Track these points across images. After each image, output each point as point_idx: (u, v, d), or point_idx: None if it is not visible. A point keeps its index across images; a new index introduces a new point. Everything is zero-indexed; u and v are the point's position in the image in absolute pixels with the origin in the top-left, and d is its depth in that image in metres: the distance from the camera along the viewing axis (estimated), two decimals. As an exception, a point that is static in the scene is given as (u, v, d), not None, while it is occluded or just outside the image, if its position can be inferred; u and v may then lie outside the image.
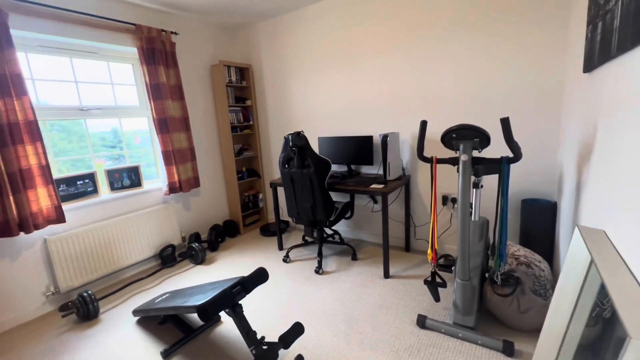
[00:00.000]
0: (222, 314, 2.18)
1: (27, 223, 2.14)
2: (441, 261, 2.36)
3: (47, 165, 2.23)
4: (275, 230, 3.60)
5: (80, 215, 2.54)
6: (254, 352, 1.48)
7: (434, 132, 2.67)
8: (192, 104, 3.34)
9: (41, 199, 2.22)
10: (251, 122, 3.81)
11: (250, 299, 2.32)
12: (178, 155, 3.07)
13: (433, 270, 1.88)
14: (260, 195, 4.00)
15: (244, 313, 1.71)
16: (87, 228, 2.51)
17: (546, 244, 2.15)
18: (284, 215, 3.90)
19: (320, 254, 2.76)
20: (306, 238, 3.35)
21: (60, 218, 2.32)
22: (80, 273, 2.47)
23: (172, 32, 3.00)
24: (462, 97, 2.48)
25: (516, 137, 2.32)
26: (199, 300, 1.57)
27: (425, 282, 1.92)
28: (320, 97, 3.27)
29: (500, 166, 1.63)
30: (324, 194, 2.56)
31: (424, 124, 1.73)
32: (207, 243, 3.31)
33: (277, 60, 3.50)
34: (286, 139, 2.53)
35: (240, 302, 1.61)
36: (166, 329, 2.06)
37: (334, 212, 2.72)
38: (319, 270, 2.66)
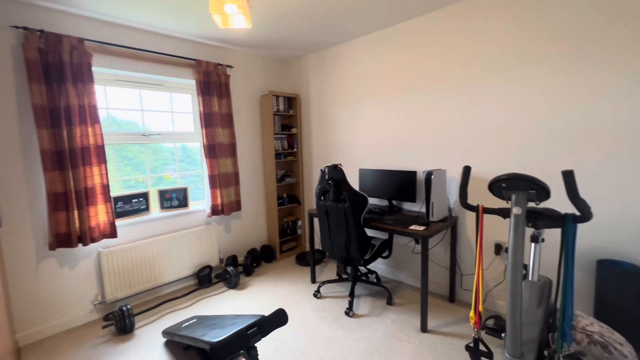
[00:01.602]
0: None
1: (85, 236, 2.37)
2: (489, 323, 2.03)
3: (108, 184, 2.48)
4: (314, 260, 3.51)
5: (131, 231, 2.75)
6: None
7: (485, 172, 2.40)
8: (240, 131, 3.51)
9: (100, 214, 2.46)
10: (295, 150, 3.87)
11: (272, 336, 2.23)
12: (223, 179, 3.21)
13: (476, 337, 1.61)
14: (299, 222, 3.98)
15: (259, 356, 1.63)
16: (135, 244, 2.70)
17: (630, 320, 1.73)
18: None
19: (352, 294, 2.59)
20: (341, 274, 3.20)
21: (113, 233, 2.53)
22: (125, 286, 2.65)
23: (227, 66, 3.23)
24: (521, 133, 2.21)
25: (596, 181, 1.96)
26: (217, 336, 1.53)
27: (467, 348, 1.66)
28: (365, 129, 3.21)
29: (563, 223, 1.37)
30: (359, 230, 2.43)
31: (467, 170, 1.54)
32: (243, 267, 3.34)
33: (324, 90, 3.55)
34: (323, 171, 2.49)
35: (256, 344, 1.53)
36: (190, 356, 2.06)
37: (370, 250, 2.55)
38: (349, 312, 2.49)
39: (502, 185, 1.37)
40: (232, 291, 2.99)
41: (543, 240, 1.59)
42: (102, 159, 2.44)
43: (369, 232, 3.24)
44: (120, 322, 2.32)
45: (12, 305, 2.19)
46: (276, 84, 3.87)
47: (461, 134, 2.52)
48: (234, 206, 3.36)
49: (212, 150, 3.13)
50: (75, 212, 2.32)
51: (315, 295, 2.81)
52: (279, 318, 1.59)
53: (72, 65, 2.28)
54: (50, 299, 2.36)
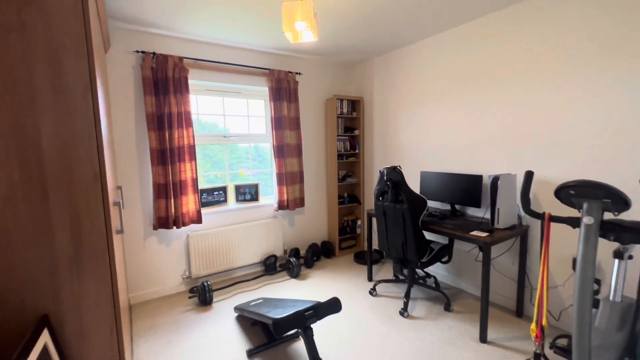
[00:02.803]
0: (302, 331, 2.32)
1: (178, 220, 2.86)
2: (561, 343, 1.87)
3: (196, 178, 2.94)
4: (371, 260, 3.59)
5: (212, 219, 3.20)
6: (315, 379, 1.54)
7: (567, 178, 2.19)
8: (305, 133, 3.76)
9: (189, 203, 2.93)
10: (357, 151, 3.99)
11: (327, 324, 2.40)
12: (289, 177, 3.50)
13: (537, 351, 1.53)
14: (359, 222, 4.09)
15: (315, 337, 1.79)
16: (215, 230, 3.15)
17: None
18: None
19: (407, 296, 2.60)
20: (398, 275, 3.21)
21: (199, 219, 2.99)
22: (206, 265, 3.10)
23: (296, 73, 3.51)
24: (609, 135, 1.97)
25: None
26: (278, 314, 1.75)
27: (527, 363, 1.58)
28: (428, 131, 3.17)
29: (649, 238, 1.23)
30: (416, 232, 2.44)
31: (529, 175, 1.47)
32: (304, 259, 3.59)
33: (387, 92, 3.59)
34: (381, 172, 2.56)
35: (312, 325, 1.70)
36: (255, 331, 2.35)
37: (428, 253, 2.54)
38: (404, 312, 2.52)
39: (571, 192, 1.29)
40: (293, 280, 3.25)
41: (631, 257, 1.43)
42: (193, 157, 2.91)
43: (429, 236, 3.18)
44: (202, 295, 2.74)
45: (126, 271, 2.77)
46: (340, 87, 4.04)
47: (534, 136, 2.34)
48: (298, 202, 3.62)
49: (280, 151, 3.44)
50: (172, 200, 2.82)
51: (370, 293, 2.89)
52: (333, 305, 1.74)
53: (174, 79, 2.77)
54: (152, 269, 2.91)
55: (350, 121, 4.05)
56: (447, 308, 2.59)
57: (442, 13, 2.52)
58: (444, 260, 2.69)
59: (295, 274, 3.29)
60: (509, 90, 2.47)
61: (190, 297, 2.80)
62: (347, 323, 2.42)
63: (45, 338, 1.05)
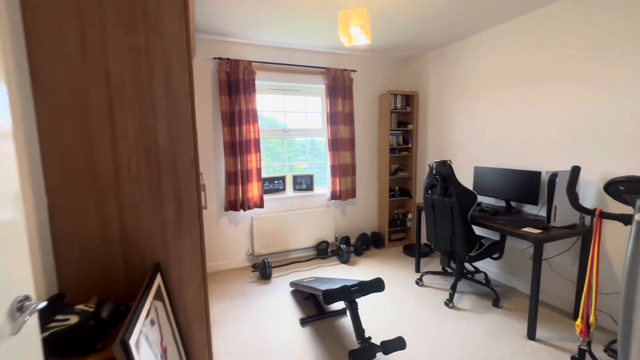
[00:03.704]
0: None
1: (244, 204, 3.28)
2: (617, 346, 1.80)
3: (260, 168, 3.33)
4: (420, 253, 3.66)
5: (273, 204, 3.58)
6: (359, 344, 1.76)
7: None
8: (358, 128, 3.93)
9: (254, 190, 3.34)
10: (410, 145, 4.03)
11: (373, 306, 2.58)
12: (342, 170, 3.73)
13: (582, 347, 1.53)
14: (410, 215, 4.15)
15: (359, 313, 2.00)
16: (275, 214, 3.53)
17: None
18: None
19: (454, 287, 2.66)
20: (446, 268, 3.24)
21: (261, 204, 3.39)
22: (267, 245, 3.50)
23: (351, 70, 3.69)
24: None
25: None
26: (327, 287, 2.00)
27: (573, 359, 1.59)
28: (483, 125, 3.10)
29: None
30: (465, 226, 2.48)
31: (576, 170, 1.46)
32: (354, 247, 3.80)
33: (443, 86, 3.57)
34: (430, 166, 2.63)
35: (357, 300, 1.92)
36: (308, 304, 2.64)
37: (477, 247, 2.56)
38: (449, 303, 2.58)
39: (620, 188, 1.28)
40: (343, 265, 3.49)
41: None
42: (257, 149, 3.30)
43: (480, 231, 3.14)
44: (263, 270, 3.13)
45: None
46: (395, 83, 4.10)
47: (596, 132, 2.19)
48: (350, 194, 3.83)
49: (334, 144, 3.67)
50: (240, 187, 3.25)
51: (417, 283, 2.99)
52: (377, 284, 1.93)
53: (243, 81, 3.17)
54: (223, 245, 3.40)
55: (403, 116, 4.11)
56: (496, 304, 2.58)
57: (501, 5, 2.46)
58: (494, 256, 2.66)
59: (344, 260, 3.53)
60: (570, 85, 2.34)
61: (252, 271, 3.22)
62: (391, 307, 2.58)
63: (158, 280, 1.44)
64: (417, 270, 3.29)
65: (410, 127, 4.02)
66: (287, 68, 3.46)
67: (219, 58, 3.09)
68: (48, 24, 1.25)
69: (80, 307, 1.16)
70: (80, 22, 1.29)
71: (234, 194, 3.25)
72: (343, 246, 3.55)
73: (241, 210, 3.29)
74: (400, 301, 2.67)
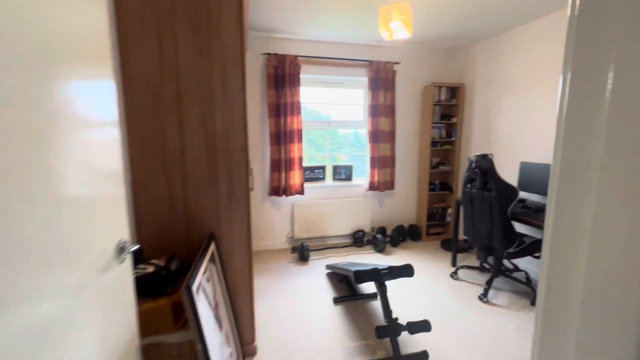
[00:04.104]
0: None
1: (287, 190, 3.52)
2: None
3: (302, 157, 3.54)
4: (457, 248, 3.62)
5: (312, 192, 3.78)
6: (385, 322, 1.88)
7: None
8: (400, 120, 3.95)
9: (295, 177, 3.56)
10: (453, 139, 3.95)
11: (405, 294, 2.67)
12: (381, 161, 3.79)
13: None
14: (449, 210, 4.09)
15: (390, 296, 2.11)
16: (314, 202, 3.73)
17: None
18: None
19: (489, 283, 2.63)
20: (484, 264, 3.18)
21: (302, 191, 3.60)
22: (305, 230, 3.73)
23: (394, 62, 3.71)
24: None
25: None
26: (359, 269, 2.13)
27: None
28: (532, 119, 2.96)
29: None
30: (504, 221, 2.44)
31: None
32: (390, 238, 3.87)
33: (490, 78, 3.44)
34: (470, 160, 2.61)
35: (386, 283, 2.03)
36: (342, 286, 2.81)
37: (516, 244, 2.50)
38: (483, 297, 2.57)
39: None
40: (377, 254, 3.59)
41: None
42: (300, 139, 3.51)
43: (523, 229, 3.02)
44: (301, 252, 3.36)
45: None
46: (440, 74, 4.02)
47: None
48: (388, 185, 3.89)
49: (374, 136, 3.74)
50: (283, 174, 3.49)
51: (452, 276, 3.00)
52: (406, 270, 2.02)
53: (289, 75, 3.37)
54: (265, 227, 3.69)
55: (447, 108, 4.02)
56: (534, 303, 2.51)
57: (557, -10, 2.33)
58: (536, 255, 2.57)
59: (380, 249, 3.62)
60: None
61: (292, 253, 3.46)
62: (423, 296, 2.64)
63: (212, 247, 1.70)
64: (454, 264, 3.27)
65: (454, 120, 3.93)
66: (331, 61, 3.59)
67: (268, 54, 3.33)
68: (136, 32, 1.53)
69: (154, 261, 1.44)
70: (158, 30, 1.55)
71: (277, 180, 3.50)
72: (379, 236, 3.64)
73: (283, 195, 3.54)
74: (433, 292, 2.71)
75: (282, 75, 3.35)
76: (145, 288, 1.27)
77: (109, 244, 0.91)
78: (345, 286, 2.79)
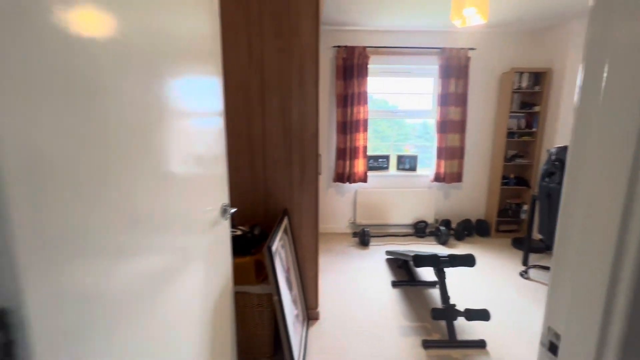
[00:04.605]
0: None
1: (350, 178, 3.69)
2: None
3: (366, 146, 3.65)
4: (530, 247, 3.37)
5: (375, 180, 3.88)
6: (442, 306, 1.94)
7: None
8: (472, 109, 3.76)
9: (359, 166, 3.70)
10: (534, 129, 3.62)
11: (466, 282, 2.64)
12: (449, 152, 3.69)
13: None
14: (525, 207, 3.79)
15: (450, 285, 2.15)
16: (377, 190, 3.82)
17: None
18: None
19: (565, 285, 2.44)
20: (562, 266, 2.92)
21: (365, 179, 3.73)
22: (367, 216, 3.86)
23: (469, 49, 3.53)
24: None
25: None
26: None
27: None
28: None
29: None
30: (586, 219, 2.23)
31: None
32: (454, 231, 3.77)
33: (586, 61, 3.05)
34: (549, 152, 2.42)
35: (446, 270, 2.07)
36: (401, 272, 2.90)
37: (600, 245, 2.27)
38: (556, 299, 2.40)
39: None
40: (440, 246, 3.55)
41: None
42: (365, 129, 3.62)
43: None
44: (362, 237, 3.52)
45: (313, 209, 3.90)
46: (521, 59, 3.69)
47: None
48: (455, 177, 3.77)
49: (443, 126, 3.65)
50: (347, 162, 3.66)
51: (521, 275, 2.84)
52: (467, 259, 2.02)
53: (357, 65, 3.48)
54: (329, 211, 3.93)
55: (529, 96, 3.68)
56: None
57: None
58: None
59: (442, 241, 3.57)
60: None
61: (353, 237, 3.64)
62: (486, 290, 2.58)
63: (285, 221, 1.96)
64: (525, 263, 3.07)
65: (536, 108, 3.59)
66: (399, 50, 3.59)
67: (338, 46, 3.48)
68: (231, 36, 1.82)
69: (241, 227, 1.75)
70: (247, 32, 1.83)
71: (342, 168, 3.69)
72: (442, 228, 3.59)
73: (347, 182, 3.72)
74: (498, 288, 2.63)
75: (351, 66, 3.48)
76: (234, 247, 1.57)
77: (217, 206, 1.19)
78: (405, 272, 2.87)
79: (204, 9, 1.07)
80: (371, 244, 3.60)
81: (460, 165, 3.76)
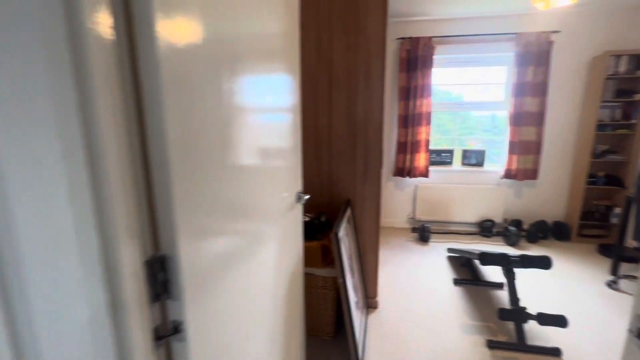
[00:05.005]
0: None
1: (411, 172, 3.63)
2: None
3: (428, 140, 3.55)
4: (621, 255, 2.96)
5: (437, 175, 3.76)
6: (510, 307, 1.85)
7: None
8: (553, 100, 3.39)
9: (420, 160, 3.62)
10: (632, 121, 3.14)
11: (539, 287, 2.44)
12: (522, 147, 3.40)
13: None
14: (616, 210, 3.32)
15: (522, 289, 2.03)
16: (439, 185, 3.70)
17: None
18: None
19: (666, 300, 2.12)
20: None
21: (426, 174, 3.64)
22: (427, 212, 3.77)
23: (552, 32, 3.18)
24: None
25: None
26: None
27: None
28: None
29: None
30: (699, 226, 1.91)
31: None
32: (526, 232, 3.47)
33: None
34: (652, 145, 2.10)
35: (515, 270, 1.96)
36: (463, 270, 2.80)
37: None
38: (653, 315, 2.11)
39: None
40: (508, 247, 3.31)
41: None
42: (428, 122, 3.51)
43: None
44: (422, 233, 3.45)
45: (372, 202, 3.93)
46: (617, 41, 3.20)
47: None
48: (529, 174, 3.47)
49: (517, 118, 3.37)
50: (408, 156, 3.61)
51: (608, 285, 2.53)
52: (542, 261, 1.88)
53: (421, 57, 3.39)
54: (388, 205, 3.92)
55: (627, 82, 3.20)
56: None
57: None
58: None
59: (512, 243, 3.33)
60: None
61: (411, 232, 3.60)
62: (564, 297, 2.36)
63: (348, 211, 2.05)
64: (614, 273, 2.72)
65: (637, 96, 3.10)
66: (468, 39, 3.39)
67: (402, 38, 3.42)
68: (303, 35, 1.95)
69: (307, 214, 1.88)
70: (318, 32, 1.94)
71: (402, 162, 3.65)
72: (512, 228, 3.34)
73: (407, 177, 3.67)
74: (578, 297, 2.39)
75: (415, 58, 3.40)
76: (303, 232, 1.71)
77: (292, 192, 1.32)
78: (468, 271, 2.77)
79: (287, 11, 1.19)
80: (431, 240, 3.52)
81: (536, 161, 3.43)
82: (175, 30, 0.56)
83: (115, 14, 0.47)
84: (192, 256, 0.63)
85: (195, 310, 0.65)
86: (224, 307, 0.77)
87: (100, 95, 0.45)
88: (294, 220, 1.37)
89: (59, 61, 0.42)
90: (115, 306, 0.51)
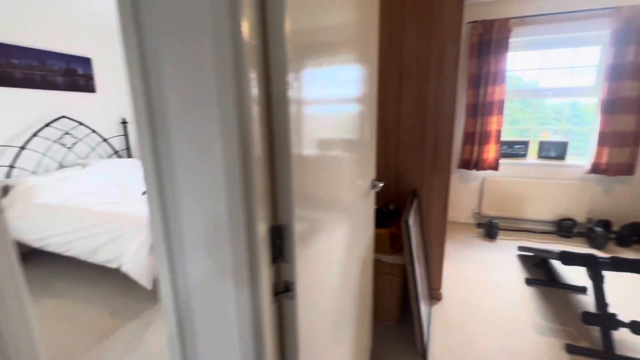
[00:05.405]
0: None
1: (478, 164, 3.44)
2: None
3: (500, 131, 3.31)
4: None
5: (509, 169, 3.50)
6: (598, 312, 1.70)
7: None
8: (661, 82, 2.91)
9: (490, 152, 3.40)
10: None
11: (633, 293, 2.18)
12: (616, 138, 3.00)
13: None
14: None
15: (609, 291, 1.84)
16: (510, 179, 3.45)
17: None
18: None
19: None
20: None
21: (496, 167, 3.41)
22: (495, 208, 3.55)
23: (663, 3, 2.71)
24: None
25: None
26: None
27: None
28: None
29: None
30: None
31: None
32: (617, 235, 3.08)
33: None
34: None
35: (604, 273, 1.79)
36: (536, 271, 2.61)
37: None
38: None
39: None
40: (593, 250, 2.98)
41: None
42: (500, 111, 3.28)
43: None
44: (489, 229, 3.27)
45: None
46: None
47: None
48: (623, 169, 3.05)
49: (610, 106, 2.97)
50: (476, 147, 3.42)
51: None
52: (638, 264, 1.69)
53: (495, 41, 3.15)
54: (452, 199, 3.75)
55: None
56: None
57: None
58: None
59: (597, 245, 2.98)
60: None
61: (477, 228, 3.43)
62: (664, 309, 2.08)
63: (415, 202, 2.06)
64: None
65: None
66: (554, 17, 3.05)
67: (474, 22, 3.22)
68: (374, 27, 1.97)
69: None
70: (389, 20, 1.94)
71: (469, 154, 3.47)
72: (598, 229, 2.99)
73: (474, 170, 3.48)
74: (683, 308, 2.08)
75: (488, 42, 3.18)
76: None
77: (368, 180, 1.39)
78: (542, 271, 2.57)
79: (371, 3, 1.23)
80: (499, 237, 3.32)
81: (634, 155, 3.00)
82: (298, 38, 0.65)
83: (256, 29, 0.58)
84: (301, 228, 0.74)
85: (302, 273, 0.76)
86: (320, 272, 0.88)
87: (253, 104, 0.56)
88: (368, 207, 1.44)
89: (224, 76, 0.54)
90: (251, 260, 0.63)
